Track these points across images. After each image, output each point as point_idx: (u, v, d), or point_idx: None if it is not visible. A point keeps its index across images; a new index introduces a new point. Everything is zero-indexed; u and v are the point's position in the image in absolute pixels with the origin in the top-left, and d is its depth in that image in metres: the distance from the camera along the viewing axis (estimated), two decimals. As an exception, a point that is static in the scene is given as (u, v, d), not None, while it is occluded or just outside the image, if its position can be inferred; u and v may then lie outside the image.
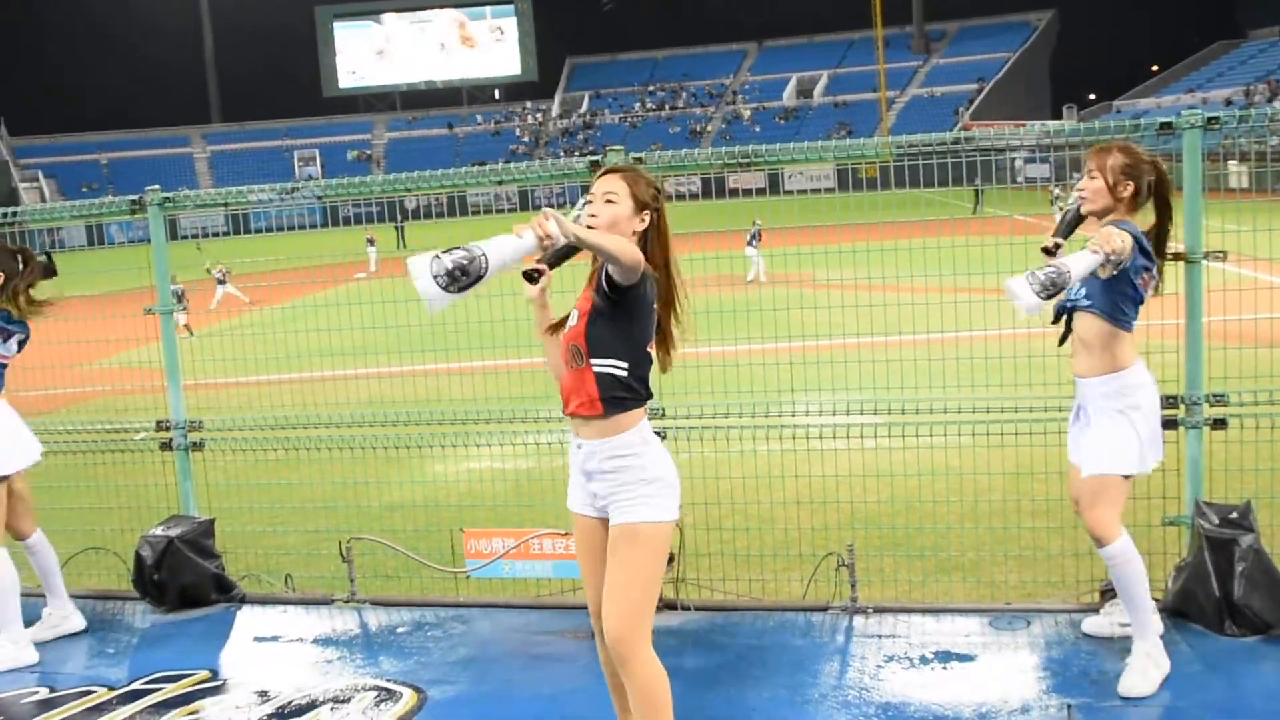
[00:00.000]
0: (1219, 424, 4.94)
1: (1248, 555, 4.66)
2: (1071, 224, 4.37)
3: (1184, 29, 77.55)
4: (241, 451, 6.26)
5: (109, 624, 5.88)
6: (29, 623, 5.47)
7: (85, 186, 70.20)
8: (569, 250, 3.40)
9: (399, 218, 22.52)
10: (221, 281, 22.41)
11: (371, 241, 23.20)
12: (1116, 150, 4.28)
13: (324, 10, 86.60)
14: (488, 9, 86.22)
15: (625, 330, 3.42)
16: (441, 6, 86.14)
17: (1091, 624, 4.86)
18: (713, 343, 5.22)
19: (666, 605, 5.41)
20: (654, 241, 3.51)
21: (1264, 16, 63.68)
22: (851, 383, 5.61)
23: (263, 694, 4.82)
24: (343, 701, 4.68)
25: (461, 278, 2.91)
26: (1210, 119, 4.83)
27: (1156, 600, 4.52)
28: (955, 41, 77.95)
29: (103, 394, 10.68)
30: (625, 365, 3.42)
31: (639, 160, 5.45)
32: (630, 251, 3.28)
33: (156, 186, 6.25)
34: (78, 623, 5.73)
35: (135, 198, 6.17)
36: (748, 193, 44.30)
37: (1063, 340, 4.42)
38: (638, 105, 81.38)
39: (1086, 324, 4.27)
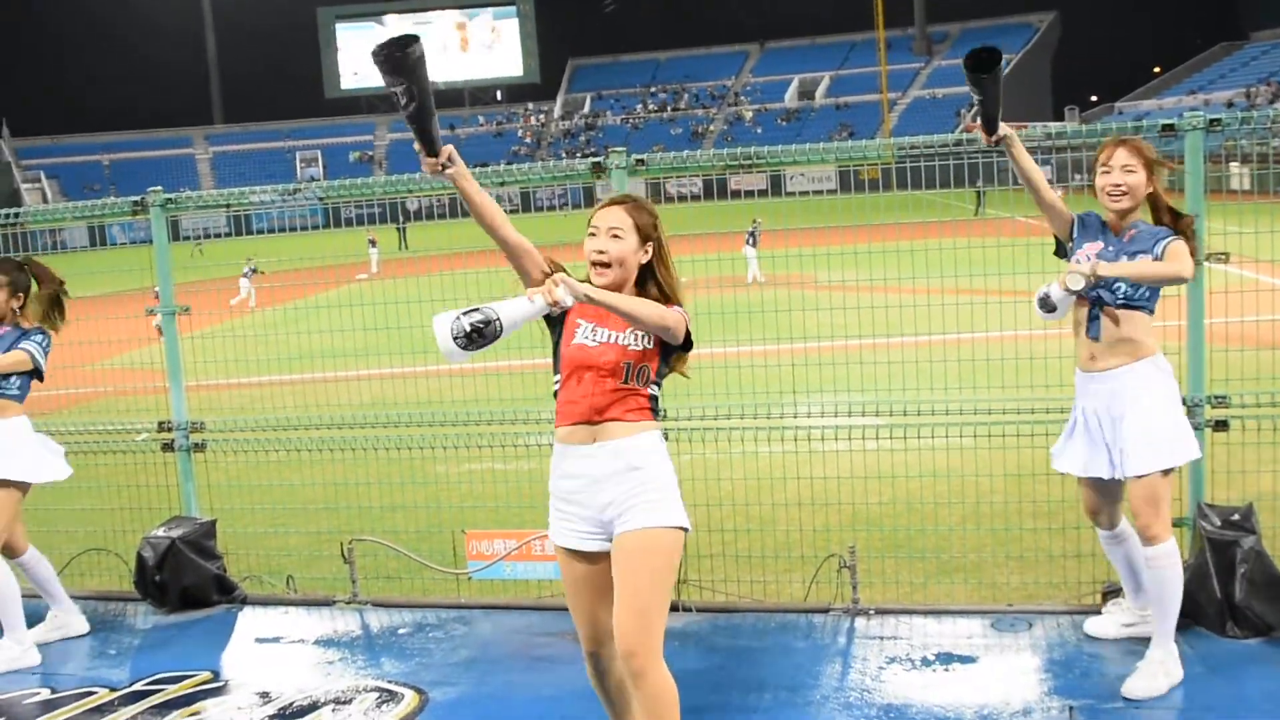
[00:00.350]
0: (1221, 426, 4.94)
1: (1249, 557, 4.66)
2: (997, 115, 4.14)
3: (1186, 31, 77.61)
4: (243, 452, 6.27)
5: (110, 625, 5.88)
6: (31, 624, 5.47)
7: (87, 187, 70.25)
8: (424, 119, 3.33)
9: (401, 219, 22.48)
10: (251, 273, 21.85)
11: (373, 243, 23.18)
12: (1139, 144, 4.26)
13: (326, 11, 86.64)
14: (490, 10, 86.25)
15: (670, 356, 3.54)
16: (443, 8, 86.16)
17: (1094, 625, 4.85)
18: (715, 344, 5.22)
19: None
20: (659, 269, 3.55)
21: (1266, 18, 63.68)
22: (853, 384, 5.61)
23: (264, 695, 4.82)
24: (344, 703, 4.68)
25: (479, 339, 3.12)
26: (1212, 121, 4.82)
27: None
28: (957, 43, 77.86)
29: (105, 395, 10.68)
30: (660, 382, 3.55)
31: (640, 162, 5.46)
32: (659, 317, 3.36)
33: (159, 187, 6.26)
34: (81, 625, 5.73)
35: (137, 199, 6.17)
36: (749, 194, 44.34)
37: (1087, 330, 4.33)
38: (639, 107, 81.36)
39: (1137, 318, 4.25)
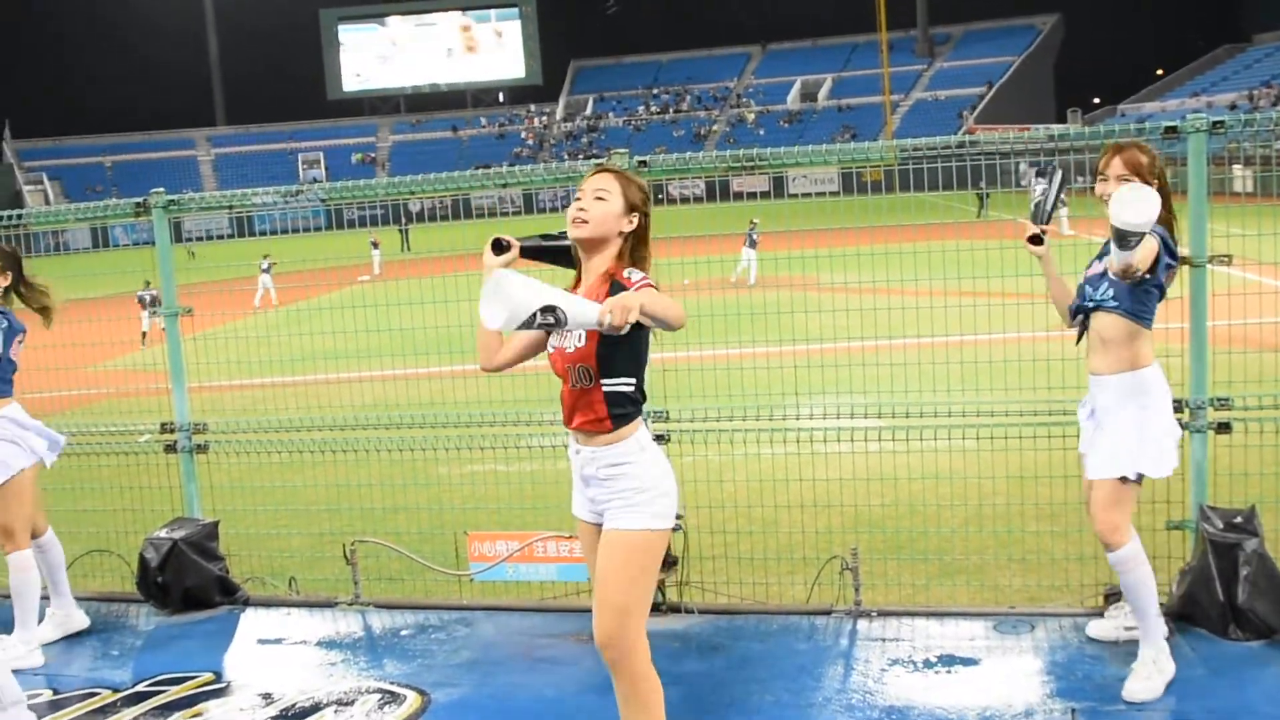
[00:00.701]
0: (1223, 428, 4.93)
1: (1252, 560, 4.65)
2: (1049, 211, 4.35)
3: (1188, 33, 77.53)
4: (246, 454, 6.27)
5: (113, 626, 5.88)
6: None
7: (90, 189, 70.32)
8: (557, 253, 3.45)
9: (403, 220, 22.50)
10: (266, 271, 21.47)
11: (375, 244, 23.21)
12: (1136, 149, 4.27)
13: (328, 13, 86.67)
14: (492, 12, 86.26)
15: (636, 351, 3.47)
16: (446, 9, 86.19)
17: (1096, 628, 4.85)
18: (716, 346, 5.23)
19: (670, 608, 5.41)
20: (638, 246, 3.54)
21: (1269, 20, 63.59)
22: (855, 386, 5.61)
23: (266, 696, 4.82)
24: (346, 704, 4.68)
25: (536, 326, 3.09)
26: (1215, 123, 4.82)
27: (1161, 604, 4.51)
28: (960, 45, 77.89)
29: (107, 396, 10.70)
30: (633, 381, 3.47)
31: (643, 164, 5.46)
32: (679, 314, 3.32)
33: (161, 189, 6.25)
34: (81, 620, 5.75)
35: (140, 200, 6.17)
36: (752, 196, 44.35)
37: (1080, 339, 4.41)
38: (642, 108, 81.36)
39: (1109, 323, 4.26)
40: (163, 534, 5.99)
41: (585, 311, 3.10)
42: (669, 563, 5.32)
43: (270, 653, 5.43)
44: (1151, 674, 4.25)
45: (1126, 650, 4.61)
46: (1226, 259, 4.87)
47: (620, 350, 3.41)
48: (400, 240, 27.68)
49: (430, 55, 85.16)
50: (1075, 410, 4.55)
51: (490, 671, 4.99)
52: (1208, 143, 4.85)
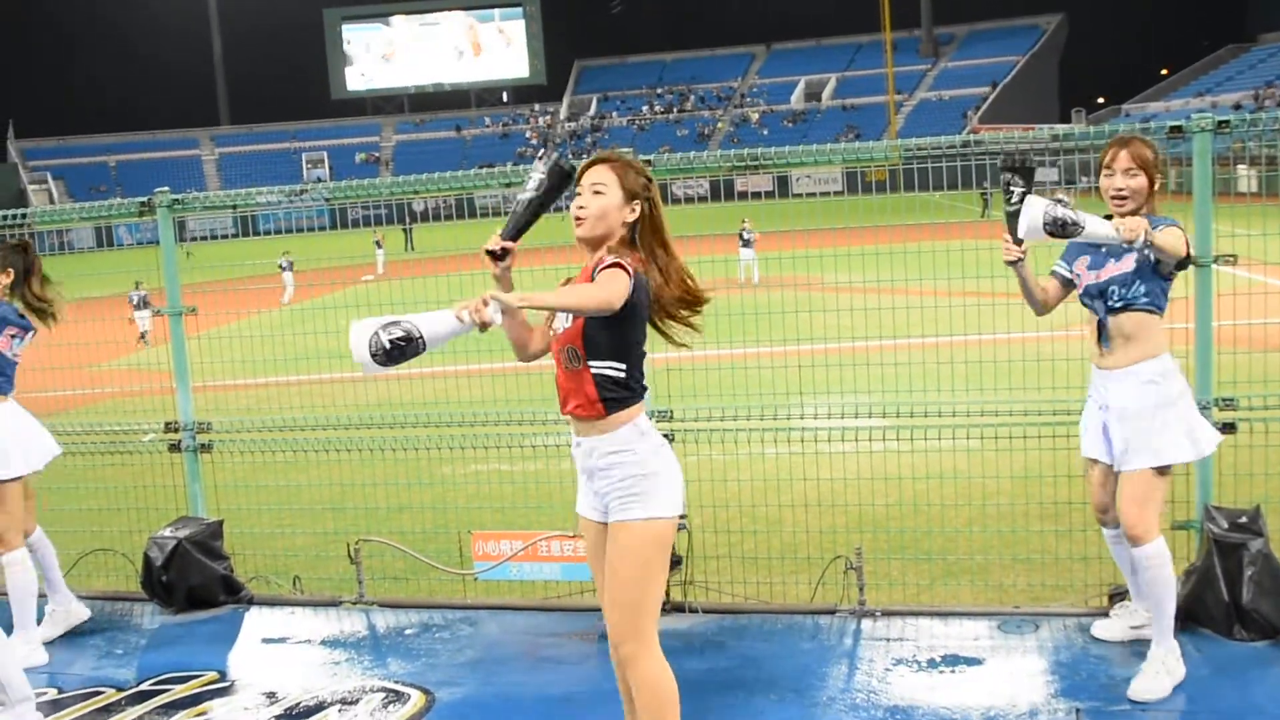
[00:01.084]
0: (1228, 428, 4.92)
1: (1257, 560, 4.65)
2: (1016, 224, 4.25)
3: (1193, 32, 77.48)
4: (250, 453, 6.27)
5: (117, 625, 5.89)
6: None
7: (94, 188, 70.40)
8: (532, 218, 3.43)
9: (407, 220, 22.46)
10: (287, 269, 21.19)
11: (379, 244, 23.23)
12: (1141, 143, 4.27)
13: (332, 12, 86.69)
14: (496, 12, 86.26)
15: (621, 333, 3.40)
16: (450, 9, 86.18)
17: (1100, 628, 4.85)
18: (721, 345, 5.23)
19: (674, 608, 5.41)
20: (646, 231, 3.48)
21: (1273, 20, 63.49)
22: (860, 386, 5.60)
23: (270, 695, 4.82)
24: (351, 703, 4.69)
25: (398, 356, 3.05)
26: (1220, 123, 4.81)
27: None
28: (964, 45, 77.84)
29: (111, 395, 10.71)
30: (623, 366, 3.42)
31: (648, 163, 5.45)
32: (595, 298, 3.22)
33: (165, 188, 6.27)
34: (81, 612, 5.77)
35: (144, 200, 6.18)
36: (756, 195, 44.34)
37: (1100, 338, 4.36)
38: (645, 108, 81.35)
39: (1138, 320, 4.25)
40: (167, 533, 5.99)
41: (442, 320, 3.05)
42: (673, 562, 5.32)
43: (274, 652, 5.44)
44: (1160, 674, 4.24)
45: (1131, 650, 4.61)
46: (1231, 259, 4.87)
47: (604, 333, 3.36)
48: (404, 239, 27.70)
49: (434, 55, 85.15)
50: (1079, 410, 4.54)
51: (494, 671, 4.99)
52: (1213, 142, 4.84)
